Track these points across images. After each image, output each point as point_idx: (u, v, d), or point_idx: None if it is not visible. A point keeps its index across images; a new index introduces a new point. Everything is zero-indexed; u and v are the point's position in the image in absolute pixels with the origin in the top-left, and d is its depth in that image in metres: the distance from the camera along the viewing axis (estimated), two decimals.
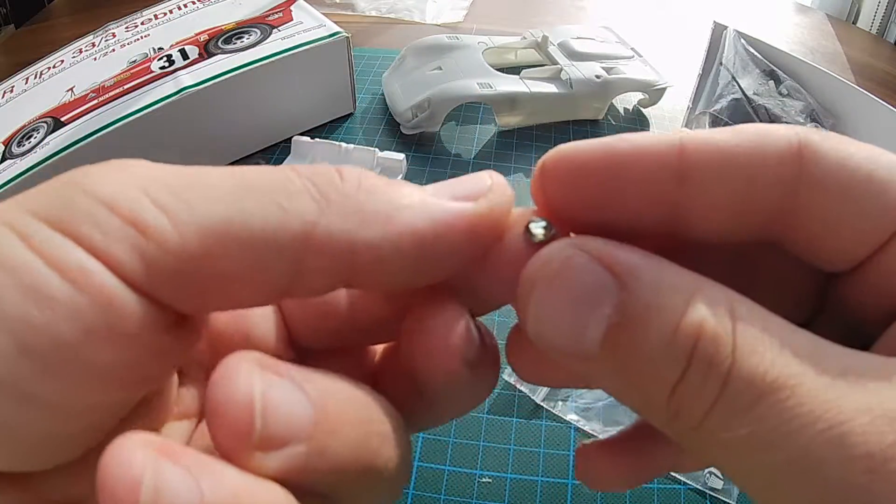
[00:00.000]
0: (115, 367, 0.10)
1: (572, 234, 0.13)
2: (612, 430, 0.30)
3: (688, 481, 0.29)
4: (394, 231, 0.11)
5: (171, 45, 0.43)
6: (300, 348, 0.15)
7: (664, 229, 0.12)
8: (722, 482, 0.29)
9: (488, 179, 0.13)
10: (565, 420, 0.30)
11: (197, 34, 0.44)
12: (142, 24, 0.47)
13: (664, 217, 0.12)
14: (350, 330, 0.15)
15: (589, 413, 0.31)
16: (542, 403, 0.31)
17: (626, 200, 0.12)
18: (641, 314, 0.10)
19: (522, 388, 0.31)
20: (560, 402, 0.31)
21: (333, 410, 0.11)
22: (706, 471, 0.29)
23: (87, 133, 0.36)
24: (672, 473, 0.29)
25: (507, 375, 0.32)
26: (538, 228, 0.13)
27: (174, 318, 0.11)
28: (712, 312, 0.10)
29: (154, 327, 0.10)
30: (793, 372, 0.10)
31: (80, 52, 0.45)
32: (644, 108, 0.51)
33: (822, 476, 0.09)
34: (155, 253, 0.10)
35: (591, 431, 0.30)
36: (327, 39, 0.44)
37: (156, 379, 0.12)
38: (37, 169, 0.35)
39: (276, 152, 0.45)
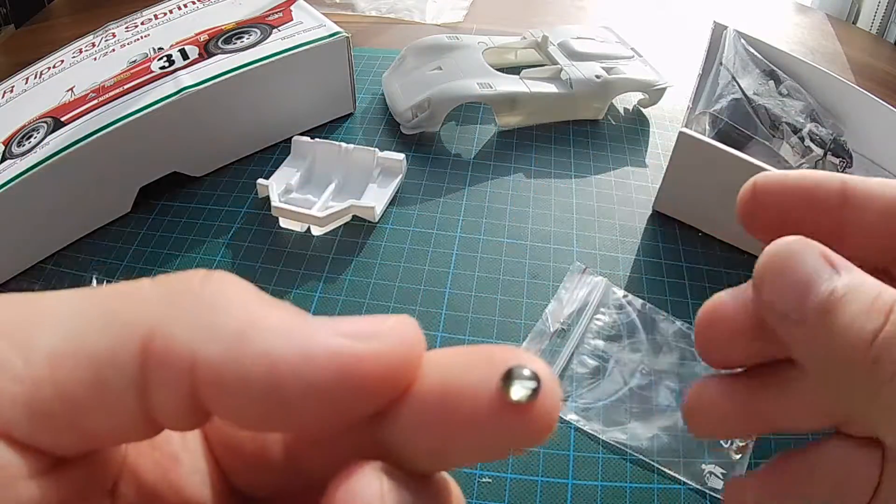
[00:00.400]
0: None
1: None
2: (612, 430, 0.30)
3: (688, 481, 0.29)
4: (241, 352, 0.09)
5: (171, 45, 0.43)
6: (246, 499, 0.13)
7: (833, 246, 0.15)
8: (722, 482, 0.29)
9: (390, 321, 0.10)
10: (565, 420, 0.30)
11: (197, 34, 0.44)
12: (142, 24, 0.47)
13: (833, 235, 0.16)
14: (295, 478, 0.13)
15: (589, 413, 0.31)
16: None
17: (806, 220, 0.16)
18: (851, 291, 0.13)
19: None
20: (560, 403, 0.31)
21: None
22: (707, 471, 0.29)
23: (87, 133, 0.36)
24: (673, 473, 0.29)
25: None
26: (524, 387, 0.10)
27: (49, 462, 0.10)
28: None
29: (28, 474, 0.09)
30: None
31: (80, 52, 0.45)
32: (644, 108, 0.51)
33: None
34: (9, 389, 0.09)
35: (590, 431, 0.30)
36: (327, 39, 0.44)
37: None
38: (37, 169, 0.35)
39: (276, 152, 0.45)
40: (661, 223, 0.41)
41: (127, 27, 0.47)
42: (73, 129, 0.37)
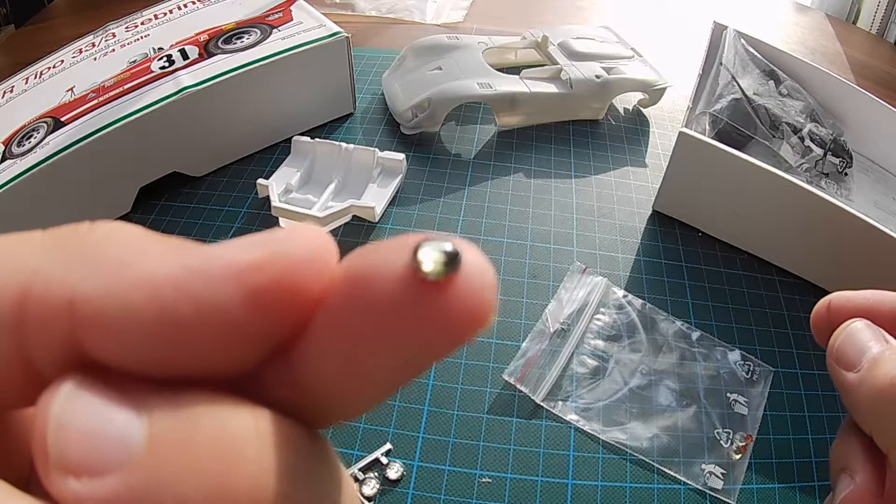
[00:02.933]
0: None
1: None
2: (612, 430, 0.30)
3: (688, 481, 0.29)
4: (121, 280, 0.08)
5: (171, 45, 0.43)
6: None
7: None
8: (722, 482, 0.29)
9: (289, 227, 0.09)
10: (565, 420, 0.30)
11: (197, 34, 0.44)
12: (142, 24, 0.47)
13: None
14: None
15: (589, 413, 0.31)
16: (542, 404, 0.31)
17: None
18: (891, 351, 0.19)
19: (522, 388, 0.31)
20: (560, 403, 0.31)
21: (175, 437, 0.08)
22: (707, 471, 0.29)
23: (87, 133, 0.36)
24: (673, 473, 0.29)
25: (507, 375, 0.32)
26: (439, 259, 0.08)
27: None
28: None
29: None
30: None
31: (80, 52, 0.45)
32: (644, 108, 0.51)
33: None
34: None
35: (590, 431, 0.30)
36: (327, 39, 0.44)
37: None
38: (37, 169, 0.35)
39: (276, 152, 0.45)
40: (661, 223, 0.41)
41: (127, 27, 0.47)
42: (73, 129, 0.37)
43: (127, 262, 0.08)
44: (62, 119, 0.38)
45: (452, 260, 0.08)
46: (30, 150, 0.36)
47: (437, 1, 0.66)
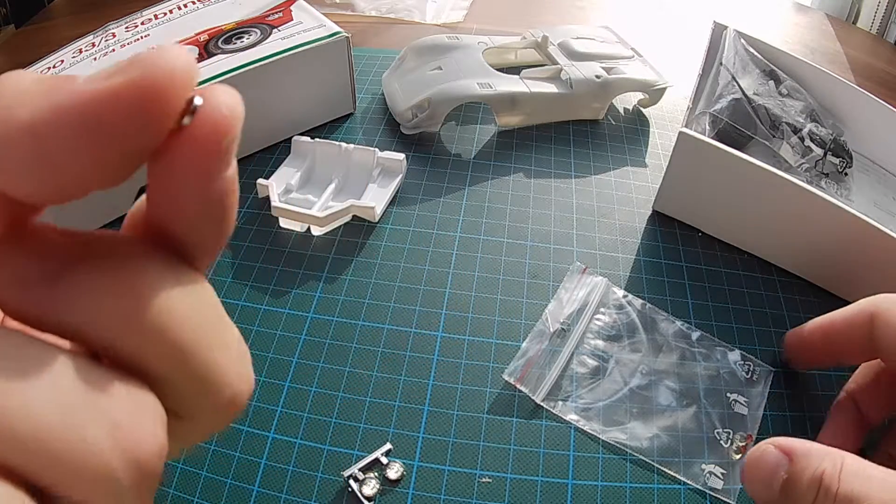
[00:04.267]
0: None
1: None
2: (612, 430, 0.30)
3: (687, 481, 0.29)
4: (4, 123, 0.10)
5: None
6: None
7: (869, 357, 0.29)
8: (722, 482, 0.29)
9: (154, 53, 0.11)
10: (565, 420, 0.30)
11: (197, 34, 0.44)
12: (142, 24, 0.47)
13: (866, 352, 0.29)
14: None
15: (589, 413, 0.31)
16: (542, 404, 0.31)
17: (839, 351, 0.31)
18: (799, 471, 0.22)
19: (522, 388, 0.31)
20: (560, 403, 0.31)
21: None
22: (706, 471, 0.29)
23: None
24: (673, 473, 0.29)
25: (507, 375, 0.32)
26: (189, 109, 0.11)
27: None
28: (832, 464, 0.22)
29: None
30: (868, 490, 0.21)
31: (80, 52, 0.45)
32: (644, 108, 0.51)
33: None
34: None
35: (590, 431, 0.30)
36: (327, 39, 0.44)
37: None
38: None
39: (276, 152, 0.45)
40: (661, 223, 0.41)
41: (127, 27, 0.47)
42: None
43: (8, 106, 0.10)
44: None
45: (193, 111, 0.11)
46: None
47: (437, 1, 0.66)
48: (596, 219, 0.41)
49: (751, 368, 0.33)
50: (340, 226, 0.40)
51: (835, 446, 0.27)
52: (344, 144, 0.42)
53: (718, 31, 0.47)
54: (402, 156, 0.42)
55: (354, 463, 0.28)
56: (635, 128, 0.49)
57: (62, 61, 0.45)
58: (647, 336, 0.34)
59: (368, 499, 0.27)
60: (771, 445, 0.24)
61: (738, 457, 0.30)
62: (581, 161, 0.46)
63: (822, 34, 0.67)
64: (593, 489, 0.28)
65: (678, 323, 0.35)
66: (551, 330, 0.34)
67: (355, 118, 0.49)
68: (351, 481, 0.28)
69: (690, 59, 0.46)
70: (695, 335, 0.34)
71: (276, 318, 0.34)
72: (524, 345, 0.33)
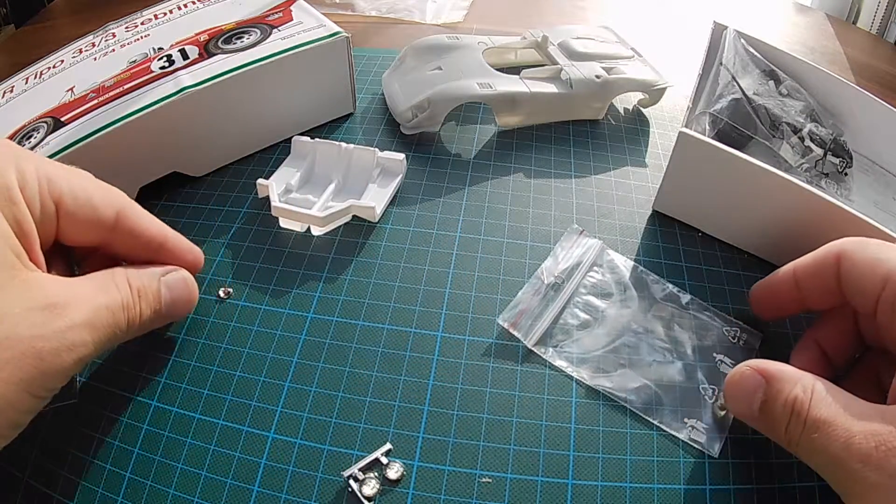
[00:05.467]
0: None
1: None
2: (599, 378, 0.32)
3: (670, 431, 0.29)
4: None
5: (171, 45, 0.43)
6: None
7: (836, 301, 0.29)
8: (704, 437, 0.30)
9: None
10: (554, 367, 0.30)
11: (197, 34, 0.44)
12: (142, 24, 0.47)
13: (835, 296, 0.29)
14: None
15: (578, 360, 0.32)
16: (533, 348, 0.33)
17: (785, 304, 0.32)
18: (774, 395, 0.25)
19: (515, 333, 0.33)
20: (551, 349, 0.33)
21: None
22: (689, 424, 0.30)
23: (87, 133, 0.36)
24: (654, 421, 0.29)
25: (501, 320, 0.32)
26: None
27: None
28: (802, 390, 0.24)
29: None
30: (834, 416, 0.23)
31: (80, 52, 0.45)
32: (644, 108, 0.51)
33: (837, 462, 0.22)
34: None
35: (578, 378, 0.32)
36: (327, 39, 0.44)
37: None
38: None
39: (276, 152, 0.45)
40: (661, 223, 0.41)
41: (127, 27, 0.47)
42: (73, 129, 0.37)
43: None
44: (62, 119, 0.38)
45: None
46: (30, 151, 0.36)
47: (437, 1, 0.66)
48: (596, 219, 0.41)
49: (737, 334, 0.34)
50: (340, 226, 0.40)
51: None
52: (344, 144, 0.42)
53: (718, 31, 0.47)
54: (402, 156, 0.42)
55: (354, 463, 0.28)
56: (635, 128, 0.49)
57: (62, 61, 0.45)
58: (637, 295, 0.36)
59: (368, 499, 0.27)
60: (749, 368, 0.26)
61: (721, 413, 0.30)
62: (581, 161, 0.46)
63: (822, 34, 0.67)
64: (593, 489, 0.28)
65: (669, 286, 0.36)
66: (546, 282, 0.36)
67: (355, 118, 0.49)
68: (351, 481, 0.28)
69: (690, 59, 0.46)
70: (685, 298, 0.36)
71: (276, 318, 0.34)
72: (519, 295, 0.35)
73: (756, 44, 0.46)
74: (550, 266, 0.37)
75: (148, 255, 0.29)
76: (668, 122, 0.50)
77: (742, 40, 0.46)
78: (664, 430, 0.30)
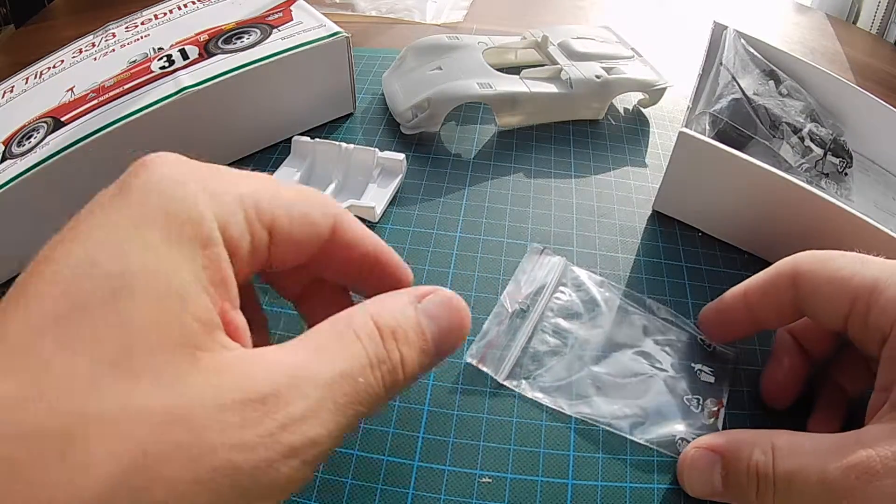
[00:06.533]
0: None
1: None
2: (579, 405, 0.31)
3: (661, 449, 0.28)
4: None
5: (171, 45, 0.43)
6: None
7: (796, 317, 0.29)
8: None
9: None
10: (530, 399, 0.30)
11: (197, 34, 0.44)
12: (142, 24, 0.47)
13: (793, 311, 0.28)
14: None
15: (553, 389, 0.31)
16: (504, 383, 0.31)
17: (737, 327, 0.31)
18: (734, 467, 0.24)
19: (484, 369, 0.32)
20: (523, 381, 0.32)
21: None
22: (677, 438, 0.29)
23: (87, 133, 0.36)
24: (644, 442, 0.29)
25: (469, 357, 0.32)
26: None
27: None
28: (762, 453, 0.23)
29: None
30: (804, 464, 0.22)
31: (80, 52, 0.45)
32: (644, 108, 0.51)
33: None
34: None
35: (556, 408, 0.31)
36: (327, 39, 0.44)
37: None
38: (37, 169, 0.35)
39: (276, 152, 0.45)
40: (661, 223, 0.41)
41: (127, 27, 0.47)
42: (73, 129, 0.37)
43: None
44: (62, 119, 0.38)
45: None
46: (30, 150, 0.36)
47: (437, 1, 0.66)
48: (596, 219, 0.41)
49: (711, 342, 0.33)
50: None
51: (783, 382, 0.30)
52: (344, 144, 0.42)
53: (718, 31, 0.47)
54: (402, 156, 0.42)
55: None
56: (635, 128, 0.49)
57: (62, 61, 0.45)
58: (607, 310, 0.35)
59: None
60: (698, 449, 0.26)
61: (711, 420, 0.30)
62: (581, 161, 0.46)
63: (822, 34, 0.67)
64: (593, 489, 0.28)
65: (636, 294, 0.35)
66: (510, 310, 0.34)
67: (355, 118, 0.49)
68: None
69: (690, 59, 0.46)
70: (655, 307, 0.35)
71: (276, 319, 0.34)
72: (485, 326, 0.34)
73: (756, 44, 0.46)
74: (513, 291, 0.35)
75: (360, 275, 0.22)
76: (668, 122, 0.50)
77: (742, 40, 0.46)
78: (654, 449, 0.29)
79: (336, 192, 0.41)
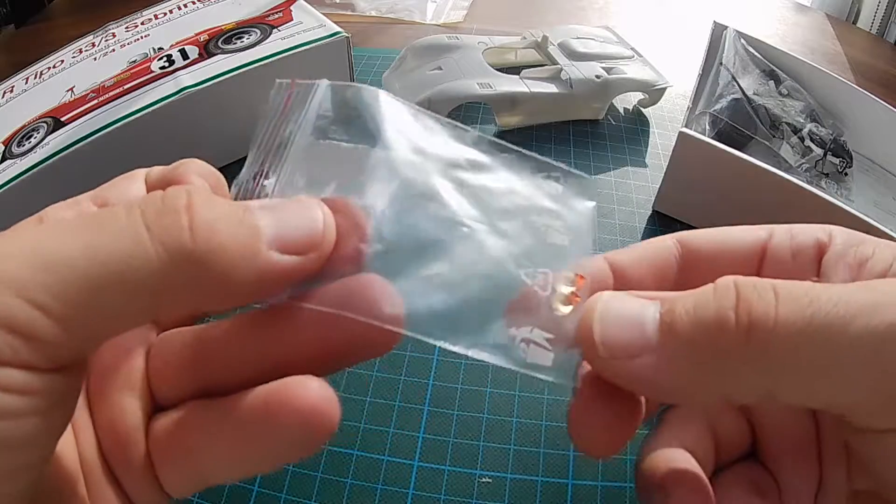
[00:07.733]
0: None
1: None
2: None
3: (488, 360, 0.16)
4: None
5: (171, 45, 0.43)
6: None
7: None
8: (551, 354, 0.16)
9: (320, 224, 0.16)
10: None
11: (197, 34, 0.44)
12: (142, 24, 0.47)
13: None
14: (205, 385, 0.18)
15: None
16: None
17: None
18: (691, 306, 0.15)
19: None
20: None
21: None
22: (518, 339, 0.16)
23: (87, 133, 0.36)
24: (457, 348, 0.16)
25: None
26: None
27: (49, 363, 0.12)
28: (757, 292, 0.15)
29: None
30: (827, 314, 0.14)
31: (80, 52, 0.45)
32: (644, 108, 0.51)
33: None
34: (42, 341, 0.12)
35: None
36: (327, 39, 0.44)
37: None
38: (37, 169, 0.35)
39: None
40: (661, 223, 0.41)
41: (127, 27, 0.47)
42: (73, 129, 0.37)
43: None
44: (62, 119, 0.38)
45: None
46: (30, 150, 0.36)
47: (437, 1, 0.66)
48: (596, 219, 0.41)
49: (559, 178, 0.20)
50: None
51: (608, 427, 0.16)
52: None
53: (718, 31, 0.47)
54: None
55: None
56: (635, 128, 0.49)
57: (62, 61, 0.45)
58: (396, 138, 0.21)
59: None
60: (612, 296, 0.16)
61: (566, 310, 0.17)
62: (581, 161, 0.46)
63: (822, 34, 0.67)
64: (593, 489, 0.28)
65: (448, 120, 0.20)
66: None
67: None
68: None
69: (690, 59, 0.46)
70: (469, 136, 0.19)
71: None
72: None
73: (756, 44, 0.46)
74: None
75: None
76: (668, 122, 0.50)
77: (742, 40, 0.46)
78: (479, 361, 0.16)
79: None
